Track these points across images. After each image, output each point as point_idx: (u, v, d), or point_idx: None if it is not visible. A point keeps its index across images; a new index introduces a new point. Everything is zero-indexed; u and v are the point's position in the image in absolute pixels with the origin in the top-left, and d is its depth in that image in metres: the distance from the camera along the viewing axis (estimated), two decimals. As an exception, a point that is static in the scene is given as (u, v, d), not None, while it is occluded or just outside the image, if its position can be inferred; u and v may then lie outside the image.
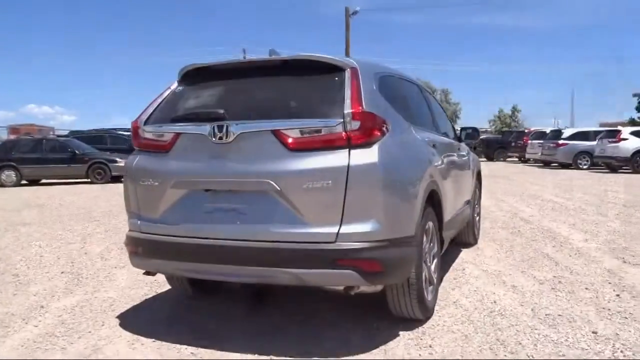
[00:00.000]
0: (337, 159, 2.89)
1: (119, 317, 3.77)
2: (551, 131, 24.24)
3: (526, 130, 29.36)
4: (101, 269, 5.18)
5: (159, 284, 4.59)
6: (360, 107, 2.94)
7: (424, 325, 3.47)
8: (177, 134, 3.24)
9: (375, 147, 2.94)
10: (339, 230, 2.87)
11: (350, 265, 2.85)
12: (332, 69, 3.16)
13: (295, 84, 3.24)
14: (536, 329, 3.39)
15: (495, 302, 3.97)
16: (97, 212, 9.57)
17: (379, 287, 3.18)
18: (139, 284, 4.63)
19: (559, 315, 3.66)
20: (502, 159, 29.02)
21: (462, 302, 3.96)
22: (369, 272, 2.88)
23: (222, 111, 3.11)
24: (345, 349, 3.11)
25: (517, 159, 28.50)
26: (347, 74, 3.12)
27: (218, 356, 3.06)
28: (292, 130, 2.96)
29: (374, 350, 3.09)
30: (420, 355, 3.02)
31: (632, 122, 45.58)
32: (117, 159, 17.05)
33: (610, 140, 19.96)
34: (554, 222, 7.77)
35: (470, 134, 5.73)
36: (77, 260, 5.61)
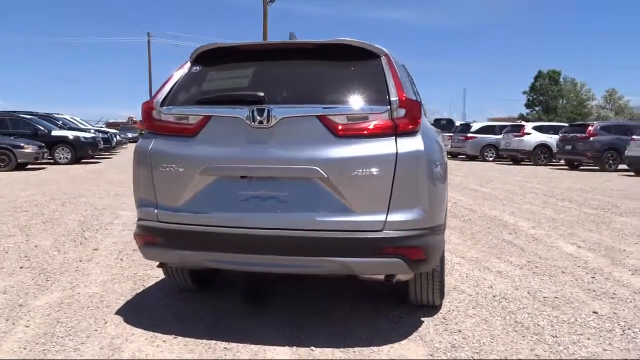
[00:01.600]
0: (385, 146, 2.86)
1: (118, 313, 3.49)
2: (460, 124, 25.61)
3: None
4: (65, 263, 4.75)
5: (142, 278, 4.32)
6: (405, 95, 2.93)
7: (440, 312, 3.56)
8: (207, 117, 3.04)
9: (419, 135, 2.95)
10: (386, 219, 2.85)
11: (397, 253, 2.85)
12: (367, 55, 3.12)
13: (333, 69, 3.16)
14: (543, 311, 3.60)
15: (491, 287, 4.15)
16: (20, 202, 8.74)
17: (411, 275, 3.21)
18: (118, 277, 4.31)
19: (555, 297, 3.91)
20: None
21: (462, 288, 4.10)
22: (414, 260, 2.89)
23: (261, 94, 2.96)
24: (381, 338, 3.11)
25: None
26: (383, 60, 3.09)
27: (255, 349, 2.94)
28: (339, 116, 2.89)
29: (410, 337, 3.12)
30: (455, 339, 3.09)
31: (522, 118, 49.42)
32: (24, 145, 15.62)
33: (515, 134, 21.50)
34: (494, 211, 8.25)
35: (445, 125, 5.91)
36: (30, 254, 5.10)
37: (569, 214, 8.02)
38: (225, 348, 2.96)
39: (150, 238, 3.14)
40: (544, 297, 3.90)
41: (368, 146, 2.87)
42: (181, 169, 3.03)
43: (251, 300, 3.76)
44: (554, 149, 20.22)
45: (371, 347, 2.97)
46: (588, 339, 3.14)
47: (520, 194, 10.63)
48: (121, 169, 15.57)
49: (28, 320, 3.36)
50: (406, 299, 3.60)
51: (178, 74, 3.30)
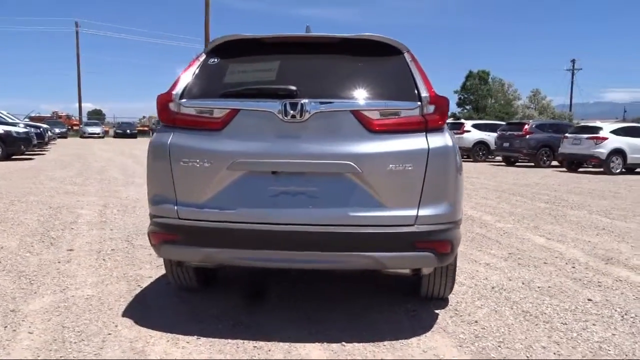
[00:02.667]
0: (417, 142, 2.90)
1: (126, 316, 3.33)
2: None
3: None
4: (43, 265, 4.47)
5: (134, 278, 4.14)
6: (434, 91, 2.97)
7: (450, 304, 3.65)
8: (234, 111, 2.95)
9: (446, 131, 3.01)
10: (417, 213, 2.89)
11: (428, 247, 2.89)
12: (391, 50, 3.14)
13: (359, 64, 3.15)
14: (544, 300, 3.77)
15: (486, 278, 4.30)
16: (-38, 200, 8.11)
17: (432, 269, 3.26)
18: (108, 279, 4.11)
19: (549, 287, 4.10)
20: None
21: (460, 280, 4.21)
22: (442, 254, 2.95)
23: (294, 88, 2.91)
24: (405, 332, 3.15)
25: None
26: (407, 56, 3.13)
27: (286, 347, 2.89)
28: (372, 111, 2.90)
29: (432, 329, 3.18)
30: (475, 330, 3.18)
31: (454, 116, 51.21)
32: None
33: (455, 132, 22.27)
34: (456, 206, 8.50)
35: None
36: (-1, 255, 4.75)
37: (524, 207, 8.41)
38: (255, 347, 2.90)
39: (170, 236, 3.02)
40: (539, 287, 4.08)
41: (401, 142, 2.89)
42: (206, 164, 2.93)
43: (259, 298, 3.69)
44: (492, 146, 21.11)
45: (400, 341, 3.00)
46: (594, 324, 3.32)
47: (472, 189, 11.03)
48: (63, 166, 14.79)
49: (29, 327, 3.14)
50: (416, 292, 3.66)
51: (194, 66, 3.18)
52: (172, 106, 3.06)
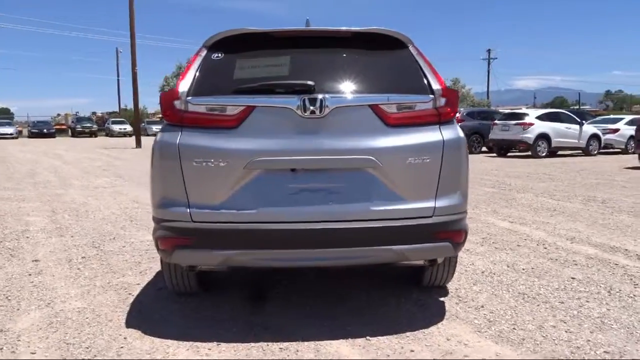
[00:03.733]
0: (433, 135, 2.94)
1: (131, 327, 3.16)
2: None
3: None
4: (13, 279, 4.15)
5: (122, 287, 3.94)
6: (445, 84, 3.02)
7: (450, 291, 3.75)
8: (250, 108, 2.86)
9: (455, 123, 3.08)
10: (435, 204, 2.93)
11: (446, 237, 2.95)
12: (398, 44, 3.16)
13: (369, 57, 3.14)
14: (533, 281, 3.96)
15: (472, 263, 4.46)
16: None
17: (442, 259, 3.33)
18: (93, 289, 3.89)
19: (532, 268, 4.31)
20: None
21: (449, 267, 4.33)
22: (457, 243, 3.02)
23: (312, 83, 2.86)
24: (421, 321, 3.20)
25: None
26: (412, 49, 3.16)
27: (313, 346, 2.86)
28: (390, 105, 2.91)
29: (446, 317, 3.26)
30: (486, 315, 3.30)
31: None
32: None
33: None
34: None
35: None
36: (-42, 271, 4.36)
37: (476, 192, 8.75)
38: (281, 349, 2.84)
39: (183, 240, 2.89)
40: (523, 269, 4.28)
41: (418, 135, 2.92)
42: (222, 164, 2.82)
43: (262, 298, 3.62)
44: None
45: (421, 331, 3.05)
46: (587, 301, 3.53)
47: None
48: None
49: (28, 346, 2.91)
50: (413, 282, 3.74)
51: (197, 62, 3.04)
52: (178, 104, 2.92)
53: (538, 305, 3.47)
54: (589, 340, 2.91)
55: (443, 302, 3.52)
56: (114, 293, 3.79)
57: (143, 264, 4.53)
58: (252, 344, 2.89)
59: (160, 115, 53.67)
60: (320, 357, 2.74)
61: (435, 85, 2.98)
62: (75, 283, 4.02)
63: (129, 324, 3.20)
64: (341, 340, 2.93)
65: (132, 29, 23.81)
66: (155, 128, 40.43)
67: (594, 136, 17.87)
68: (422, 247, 2.92)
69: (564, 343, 2.88)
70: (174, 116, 2.94)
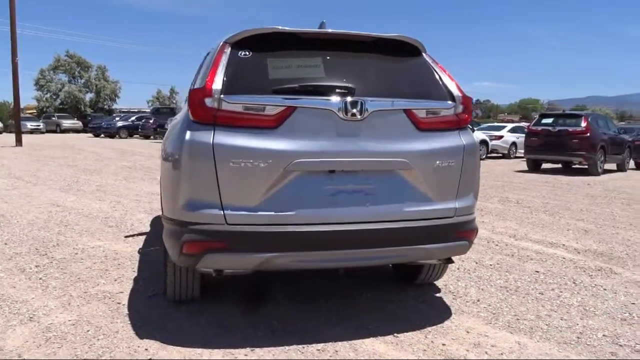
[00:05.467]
0: (455, 139, 3.11)
1: (144, 337, 2.97)
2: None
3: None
4: (-33, 291, 3.69)
5: (106, 296, 3.67)
6: (463, 91, 3.21)
7: (441, 288, 3.96)
8: (290, 108, 2.82)
9: (469, 129, 3.28)
10: (456, 205, 3.11)
11: (465, 236, 3.14)
12: (415, 51, 3.29)
13: (393, 63, 3.22)
14: (507, 276, 4.31)
15: (444, 261, 4.71)
16: None
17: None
18: (73, 300, 3.58)
19: (497, 264, 4.68)
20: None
21: (424, 265, 4.55)
22: (471, 241, 3.23)
23: (352, 86, 2.89)
24: (432, 318, 3.36)
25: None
26: (427, 56, 3.31)
27: (347, 346, 2.89)
28: (420, 110, 3.02)
29: (454, 312, 3.45)
30: (487, 308, 3.54)
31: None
32: None
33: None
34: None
35: (169, 114, 5.71)
36: None
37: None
38: (319, 350, 2.84)
39: (216, 244, 2.78)
40: (491, 265, 4.63)
41: (443, 139, 3.08)
42: (262, 165, 2.76)
43: (268, 301, 3.56)
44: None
45: (439, 325, 3.21)
46: (561, 292, 3.93)
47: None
48: None
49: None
50: (410, 279, 3.90)
51: (223, 59, 2.94)
52: (209, 102, 2.81)
53: (524, 297, 3.78)
54: (585, 326, 3.25)
55: (441, 298, 3.71)
56: (99, 303, 3.51)
57: (112, 272, 4.22)
58: (287, 347, 2.85)
59: (32, 111, 49.27)
60: (360, 356, 2.78)
61: (456, 92, 3.15)
62: (46, 294, 3.66)
63: (141, 335, 3.00)
64: (371, 338, 2.99)
65: (13, 14, 21.67)
66: (30, 125, 37.09)
67: (483, 142, 19.45)
68: (447, 246, 3.07)
69: (566, 329, 3.18)
70: (205, 114, 2.81)
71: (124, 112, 45.54)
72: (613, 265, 4.72)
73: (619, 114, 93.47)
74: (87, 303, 3.51)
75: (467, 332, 3.12)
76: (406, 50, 3.26)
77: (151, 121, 31.85)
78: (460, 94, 3.16)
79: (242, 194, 2.78)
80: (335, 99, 2.85)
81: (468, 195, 3.18)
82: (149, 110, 54.45)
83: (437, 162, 3.02)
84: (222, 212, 2.77)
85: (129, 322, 3.19)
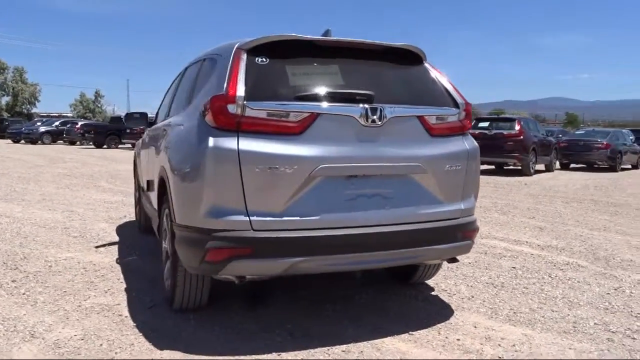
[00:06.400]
0: (460, 144, 3.28)
1: (165, 348, 2.91)
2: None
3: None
4: (-53, 310, 3.44)
5: (104, 308, 3.55)
6: (465, 99, 3.38)
7: (433, 287, 4.13)
8: (314, 114, 2.86)
9: (469, 134, 3.46)
10: (461, 207, 3.28)
11: (469, 236, 3.32)
12: (418, 59, 3.43)
13: (402, 71, 3.34)
14: (489, 273, 4.55)
15: (425, 260, 4.90)
16: None
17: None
18: (70, 314, 3.43)
19: (475, 262, 4.92)
20: (114, 146, 28.51)
21: (409, 265, 4.72)
22: (473, 241, 3.41)
23: (372, 93, 2.98)
24: (439, 315, 3.51)
25: (131, 146, 28.49)
26: (428, 65, 3.46)
27: (369, 345, 2.97)
28: (431, 116, 3.16)
29: (455, 308, 3.61)
30: (486, 304, 3.73)
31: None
32: None
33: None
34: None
35: (138, 120, 5.52)
36: None
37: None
38: (343, 351, 2.90)
39: (242, 250, 2.78)
40: (470, 263, 4.86)
41: (451, 144, 3.23)
42: (288, 171, 2.79)
43: (276, 307, 3.58)
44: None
45: (447, 322, 3.36)
46: (542, 285, 4.20)
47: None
48: None
49: (65, 383, 2.52)
50: (404, 279, 4.04)
51: (241, 65, 2.94)
52: (232, 108, 2.81)
53: (511, 292, 4.02)
54: (575, 316, 3.51)
55: (437, 296, 3.87)
56: (99, 316, 3.39)
57: (98, 284, 4.07)
58: (312, 350, 2.89)
59: None
60: (386, 356, 2.87)
61: (459, 99, 3.32)
62: (38, 310, 3.48)
63: (160, 346, 2.94)
64: (389, 337, 3.09)
65: None
66: None
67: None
68: (455, 246, 3.23)
69: (561, 319, 3.43)
70: (227, 121, 2.81)
71: (43, 116, 43.23)
72: (576, 259, 5.09)
73: (533, 117, 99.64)
74: (86, 317, 3.37)
75: (475, 327, 3.29)
76: (410, 58, 3.39)
77: (77, 126, 30.52)
78: (463, 101, 3.33)
79: (267, 200, 2.80)
80: (356, 105, 2.93)
81: (470, 197, 3.36)
82: (71, 114, 52.04)
83: (447, 166, 3.17)
84: (247, 218, 2.78)
85: (141, 334, 3.11)
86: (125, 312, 3.46)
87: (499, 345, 3.02)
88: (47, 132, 32.72)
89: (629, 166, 19.64)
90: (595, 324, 3.38)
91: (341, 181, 2.92)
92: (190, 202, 2.89)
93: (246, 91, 2.84)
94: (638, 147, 20.66)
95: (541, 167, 16.68)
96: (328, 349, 2.91)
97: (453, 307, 3.63)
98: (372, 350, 2.92)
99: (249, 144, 2.78)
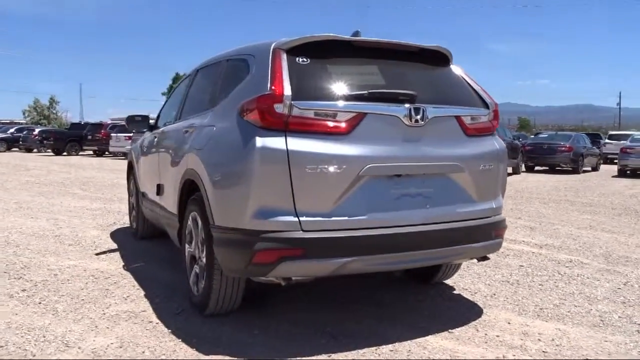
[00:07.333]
0: (493, 144, 3.36)
1: (208, 354, 2.85)
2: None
3: (104, 124, 28.86)
4: (-37, 322, 3.27)
5: (128, 315, 3.44)
6: (493, 99, 3.46)
7: (455, 286, 4.19)
8: (361, 114, 2.87)
9: (497, 135, 3.54)
10: (493, 205, 3.35)
11: (500, 235, 3.39)
12: (447, 60, 3.49)
13: (436, 71, 3.39)
14: (500, 271, 4.64)
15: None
16: None
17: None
18: (95, 322, 3.31)
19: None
20: (74, 153, 27.63)
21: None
22: (503, 239, 3.48)
23: (414, 93, 3.01)
24: (470, 312, 3.56)
25: (93, 153, 27.70)
26: (456, 66, 3.53)
27: (414, 345, 2.99)
28: (466, 116, 3.22)
29: (483, 306, 3.67)
30: (506, 299, 3.81)
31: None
32: None
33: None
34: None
35: (140, 123, 5.17)
36: None
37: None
38: (391, 350, 2.91)
39: (292, 251, 2.75)
40: (479, 262, 4.94)
41: (484, 144, 3.30)
42: (337, 170, 2.79)
43: (294, 312, 3.55)
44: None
45: (481, 319, 3.41)
46: (556, 282, 4.32)
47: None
48: None
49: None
50: (424, 279, 4.09)
51: (283, 65, 2.93)
52: (279, 108, 2.78)
53: (529, 289, 4.12)
54: (598, 310, 3.63)
55: (461, 295, 3.93)
56: (129, 324, 3.29)
57: (114, 291, 3.95)
58: (361, 351, 2.89)
59: None
60: (434, 354, 2.89)
61: (488, 100, 3.40)
62: (60, 319, 3.35)
63: (204, 351, 2.87)
64: (431, 336, 3.11)
65: None
66: None
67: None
68: (488, 244, 3.29)
69: (587, 314, 3.54)
70: (276, 121, 2.78)
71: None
72: (576, 256, 5.26)
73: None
74: (115, 325, 3.26)
75: (508, 323, 3.35)
76: (439, 59, 3.45)
77: (35, 132, 29.50)
78: (492, 102, 3.40)
79: (316, 200, 2.79)
80: (401, 105, 2.95)
81: (500, 196, 3.43)
82: (24, 121, 50.20)
83: (482, 165, 3.23)
84: (296, 218, 2.75)
85: (179, 340, 3.03)
86: (154, 319, 3.36)
87: (539, 340, 3.08)
88: (2, 139, 31.47)
89: (589, 168, 20.40)
90: (619, 317, 3.50)
91: (386, 181, 2.94)
92: (235, 203, 2.85)
93: (292, 90, 2.82)
94: (597, 150, 21.54)
95: (508, 169, 17.13)
96: (376, 349, 2.91)
97: (480, 305, 3.69)
98: (419, 349, 2.94)
99: (298, 144, 2.76)
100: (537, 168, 19.69)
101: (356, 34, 3.43)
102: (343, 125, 2.84)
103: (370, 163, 2.85)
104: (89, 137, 26.92)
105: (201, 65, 4.39)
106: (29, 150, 30.53)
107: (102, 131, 26.49)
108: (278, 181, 2.74)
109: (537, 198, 10.46)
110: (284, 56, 2.97)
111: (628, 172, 17.72)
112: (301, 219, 2.76)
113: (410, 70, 3.33)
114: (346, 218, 2.82)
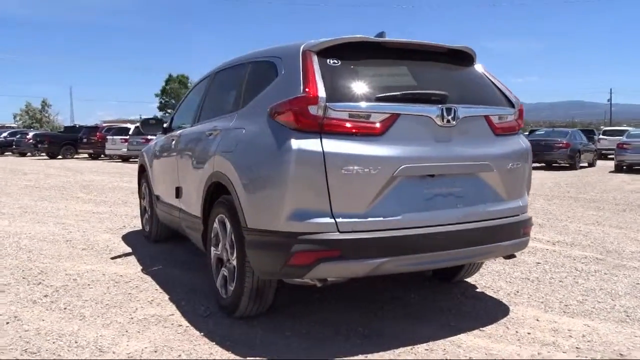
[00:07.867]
0: (519, 142, 3.38)
1: (245, 356, 2.85)
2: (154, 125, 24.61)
3: (99, 126, 28.71)
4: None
5: (156, 319, 3.43)
6: (517, 98, 3.48)
7: (477, 284, 4.21)
8: (394, 115, 2.88)
9: (522, 134, 3.56)
10: (520, 204, 3.37)
11: (527, 233, 3.41)
12: (471, 60, 3.51)
13: (463, 72, 3.41)
14: (519, 268, 4.67)
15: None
16: None
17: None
18: (124, 326, 3.31)
19: (500, 258, 5.02)
20: (69, 156, 27.47)
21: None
22: (530, 236, 3.51)
23: (446, 93, 3.02)
24: (497, 311, 3.58)
25: (88, 156, 27.52)
26: (480, 65, 3.55)
27: (448, 344, 3.00)
28: (494, 116, 3.24)
29: (509, 304, 3.70)
30: (530, 297, 3.84)
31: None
32: None
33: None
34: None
35: (155, 125, 5.48)
36: None
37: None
38: (427, 350, 2.93)
39: (330, 252, 2.76)
40: (496, 260, 4.97)
41: (512, 142, 3.32)
42: (372, 171, 2.80)
43: (319, 313, 3.56)
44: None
45: (509, 317, 3.43)
46: (575, 279, 4.36)
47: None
48: None
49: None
50: (446, 278, 4.11)
51: (315, 67, 2.93)
52: (314, 110, 2.79)
53: (550, 285, 4.15)
54: (622, 306, 3.66)
55: (484, 293, 3.95)
56: (159, 327, 3.28)
57: (138, 295, 3.94)
58: (396, 350, 2.90)
59: None
60: (469, 352, 2.91)
61: (513, 99, 3.42)
62: (88, 324, 3.34)
63: (240, 354, 2.88)
64: (463, 334, 3.13)
65: None
66: None
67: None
68: (517, 242, 3.31)
69: (611, 309, 3.57)
70: (311, 122, 2.79)
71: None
72: (590, 252, 5.30)
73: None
74: (145, 329, 3.26)
75: (537, 320, 3.38)
76: (464, 59, 3.47)
77: (29, 136, 29.29)
78: (517, 100, 3.42)
79: (352, 201, 2.79)
80: (433, 106, 2.97)
81: (526, 195, 3.46)
82: (15, 125, 49.88)
83: (510, 164, 3.25)
84: (333, 220, 2.76)
85: (213, 343, 3.03)
86: (184, 322, 3.36)
87: (570, 336, 3.11)
88: (-6, 143, 31.27)
89: (586, 164, 20.54)
90: (643, 312, 3.53)
91: (419, 181, 2.95)
92: (270, 205, 2.85)
93: (326, 92, 2.82)
94: (593, 145, 21.69)
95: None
96: (411, 348, 2.92)
97: (506, 303, 3.71)
98: (454, 347, 2.95)
99: (333, 146, 2.77)
100: (534, 165, 19.78)
101: (381, 34, 3.44)
102: (377, 126, 2.85)
103: (404, 163, 2.86)
104: (85, 140, 26.75)
105: (220, 68, 4.38)
106: (23, 155, 30.33)
107: (98, 134, 26.33)
108: (314, 183, 2.75)
109: (540, 195, 10.53)
110: (315, 58, 2.98)
111: (624, 167, 17.85)
112: (337, 220, 2.77)
113: (438, 70, 3.35)
114: (381, 219, 2.83)
